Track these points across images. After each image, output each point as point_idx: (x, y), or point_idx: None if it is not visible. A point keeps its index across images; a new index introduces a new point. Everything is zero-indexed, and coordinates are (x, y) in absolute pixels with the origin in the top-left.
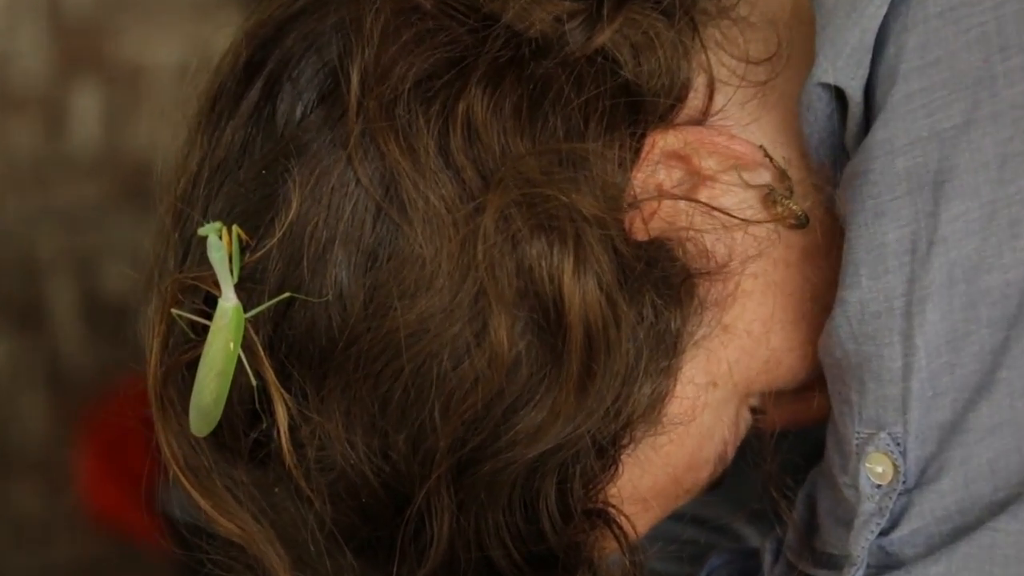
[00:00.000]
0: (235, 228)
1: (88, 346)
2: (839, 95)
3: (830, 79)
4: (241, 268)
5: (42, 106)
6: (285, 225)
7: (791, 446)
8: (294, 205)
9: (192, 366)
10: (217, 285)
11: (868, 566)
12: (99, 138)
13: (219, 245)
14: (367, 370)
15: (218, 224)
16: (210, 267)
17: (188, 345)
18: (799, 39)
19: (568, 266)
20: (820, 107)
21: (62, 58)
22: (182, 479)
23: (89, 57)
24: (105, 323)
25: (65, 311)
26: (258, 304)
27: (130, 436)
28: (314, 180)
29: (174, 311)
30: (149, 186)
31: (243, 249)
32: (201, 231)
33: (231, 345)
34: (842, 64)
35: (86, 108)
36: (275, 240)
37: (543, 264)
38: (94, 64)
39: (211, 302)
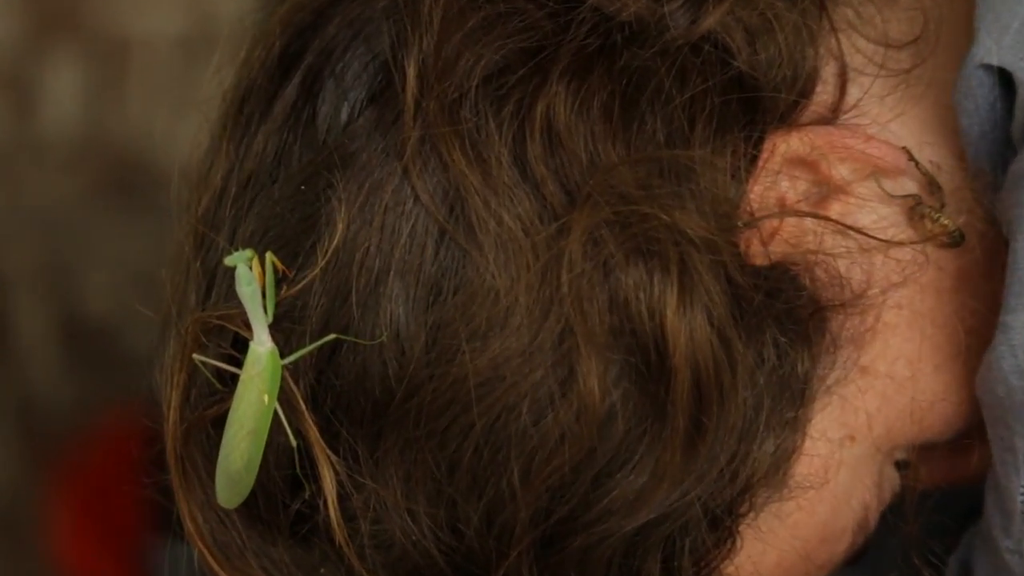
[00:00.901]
0: (269, 256)
1: (64, 376)
2: (1004, 79)
3: (994, 60)
4: (277, 305)
5: (10, 84)
6: (329, 252)
7: (938, 504)
8: (340, 228)
9: (219, 423)
10: (248, 325)
11: None
12: (78, 123)
13: (250, 277)
14: (430, 427)
15: (249, 252)
16: (239, 303)
17: (214, 398)
18: (951, 16)
19: (672, 298)
20: (981, 94)
21: (34, 26)
22: (209, 559)
23: (66, 25)
24: (85, 348)
25: (37, 333)
26: (298, 348)
27: (113, 484)
28: (363, 197)
29: (196, 357)
30: (139, 182)
31: (279, 281)
32: (228, 260)
33: (265, 398)
34: (1009, 42)
35: (62, 87)
36: (317, 270)
37: (641, 296)
38: (72, 34)
39: (241, 346)
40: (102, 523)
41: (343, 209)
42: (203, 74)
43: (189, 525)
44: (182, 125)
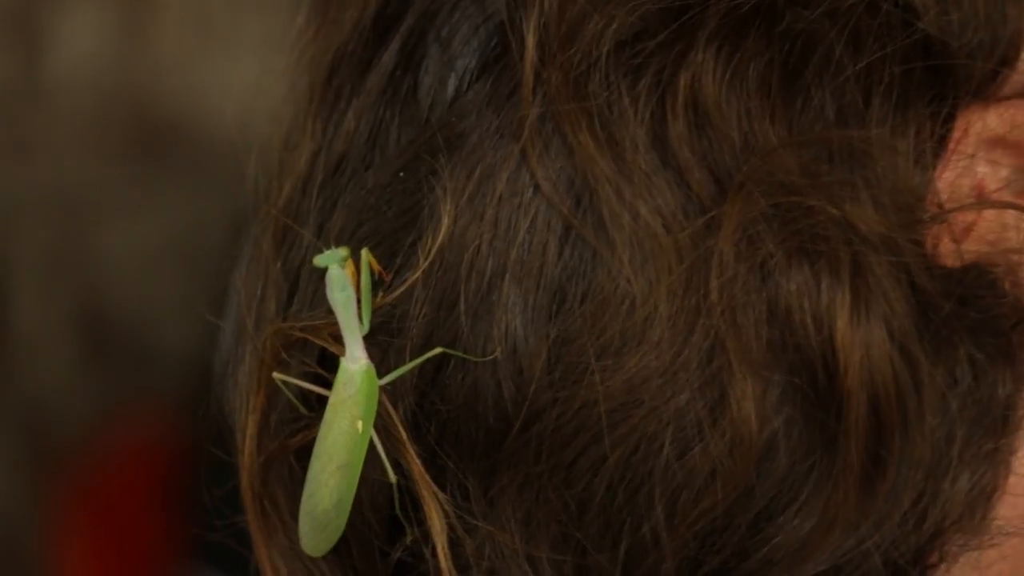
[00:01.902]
0: (366, 255)
1: (78, 378)
2: None
3: None
4: (373, 314)
5: (13, 25)
6: (433, 251)
7: None
8: (445, 222)
9: (304, 455)
10: (338, 339)
11: None
12: (96, 71)
13: (344, 281)
14: (554, 460)
15: (343, 251)
16: (329, 312)
17: (298, 424)
18: None
19: (843, 308)
20: None
21: None
22: None
23: None
24: (103, 346)
25: (45, 328)
26: (397, 366)
27: (136, 508)
28: (474, 186)
29: (277, 376)
30: (172, 145)
31: (375, 286)
32: (318, 260)
33: (359, 425)
34: None
35: (77, 27)
36: (419, 273)
37: (806, 305)
38: None
39: (330, 363)
40: (123, 556)
41: (449, 200)
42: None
43: (268, 575)
44: (229, 71)
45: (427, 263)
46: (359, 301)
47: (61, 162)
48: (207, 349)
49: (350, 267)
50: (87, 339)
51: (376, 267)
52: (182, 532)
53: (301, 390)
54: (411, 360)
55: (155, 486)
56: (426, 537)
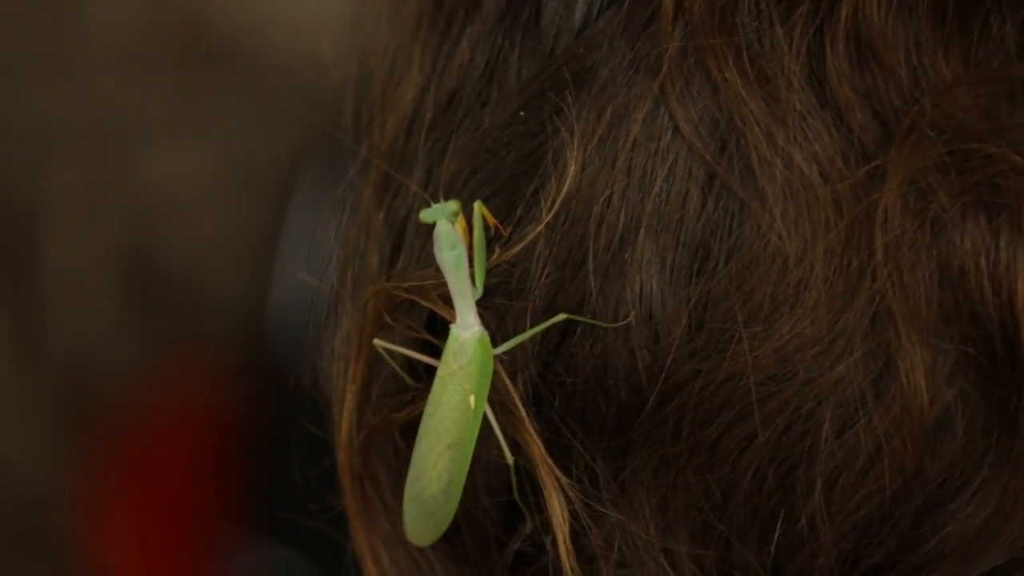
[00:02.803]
0: (479, 208)
1: (119, 330)
2: None
3: None
4: (488, 273)
5: None
6: (558, 202)
7: None
8: (572, 169)
9: (409, 431)
10: (448, 302)
11: None
12: None
13: (455, 238)
14: (695, 440)
15: (451, 205)
16: (437, 271)
17: (403, 398)
18: None
19: None
20: None
21: None
22: None
23: None
24: (148, 294)
25: (82, 273)
26: (515, 333)
27: (184, 475)
28: (604, 128)
29: (378, 343)
30: (226, 60)
31: (490, 242)
32: (426, 215)
33: (472, 399)
34: None
35: None
36: (542, 227)
37: (983, 265)
38: None
39: (439, 329)
40: (169, 527)
41: (577, 144)
42: None
43: (370, 566)
44: None
45: (551, 215)
46: (472, 260)
47: (100, 81)
48: (262, 291)
49: (461, 222)
50: (130, 280)
51: (492, 221)
52: (238, 505)
53: (407, 359)
54: (532, 326)
55: (206, 454)
56: (548, 526)
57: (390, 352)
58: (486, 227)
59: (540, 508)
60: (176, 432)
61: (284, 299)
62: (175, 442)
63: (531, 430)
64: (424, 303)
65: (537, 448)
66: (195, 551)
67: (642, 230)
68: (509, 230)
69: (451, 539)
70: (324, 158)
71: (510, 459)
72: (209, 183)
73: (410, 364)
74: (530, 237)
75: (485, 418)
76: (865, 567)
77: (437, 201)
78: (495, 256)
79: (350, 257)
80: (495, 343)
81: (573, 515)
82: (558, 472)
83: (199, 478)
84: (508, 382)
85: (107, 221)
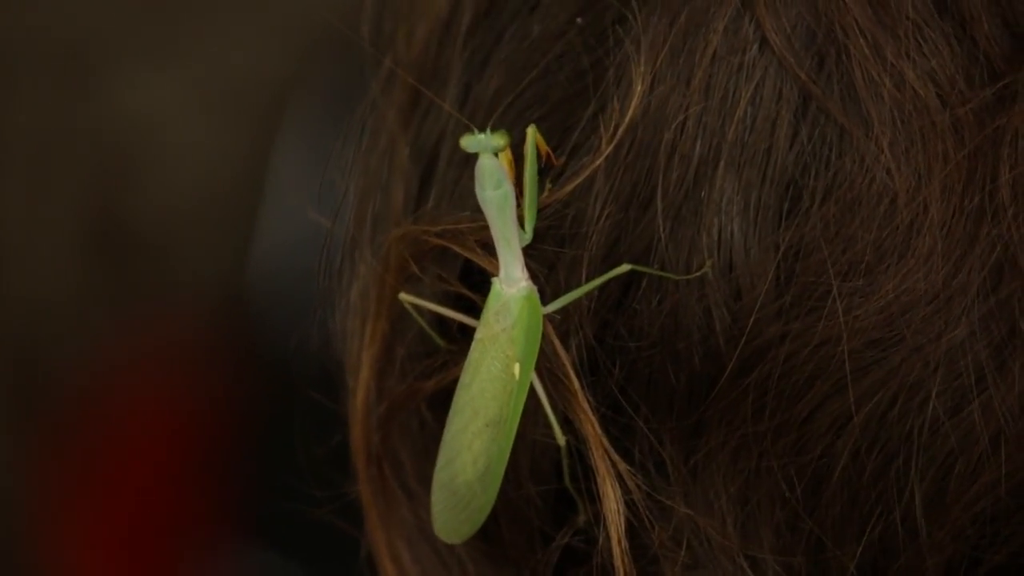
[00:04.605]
0: (532, 133)
1: (81, 293)
2: None
3: None
4: (538, 215)
5: None
6: (621, 128)
7: None
8: (638, 88)
9: (440, 404)
10: (490, 249)
11: None
12: None
13: (498, 174)
14: (782, 417)
15: (499, 137)
16: (476, 212)
17: (432, 363)
18: None
19: None
20: None
21: None
22: None
23: None
24: (112, 241)
25: (40, 224)
26: (569, 288)
27: (151, 462)
28: (677, 39)
29: (404, 297)
30: None
31: (543, 173)
32: (465, 143)
33: (516, 368)
34: None
35: None
36: (602, 159)
37: None
38: None
39: (477, 282)
40: (140, 528)
41: (643, 58)
42: None
43: (387, 566)
44: None
45: (612, 145)
46: (521, 198)
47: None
48: (243, 245)
49: (508, 156)
50: (95, 231)
51: (544, 148)
52: (221, 502)
53: (437, 317)
54: (588, 279)
55: (182, 441)
56: (603, 520)
57: (418, 308)
58: (539, 158)
59: (594, 499)
60: (146, 418)
61: (273, 248)
62: (145, 430)
63: (585, 406)
64: (460, 250)
65: (592, 426)
66: (171, 556)
67: (722, 163)
68: (563, 161)
69: (487, 534)
70: (326, 80)
71: (561, 439)
72: (186, 116)
73: (441, 323)
74: (588, 172)
75: (532, 390)
76: (985, 569)
77: (476, 125)
78: (545, 194)
79: (369, 192)
80: (545, 300)
81: (632, 507)
82: (614, 455)
83: (174, 469)
84: (559, 347)
85: (67, 166)
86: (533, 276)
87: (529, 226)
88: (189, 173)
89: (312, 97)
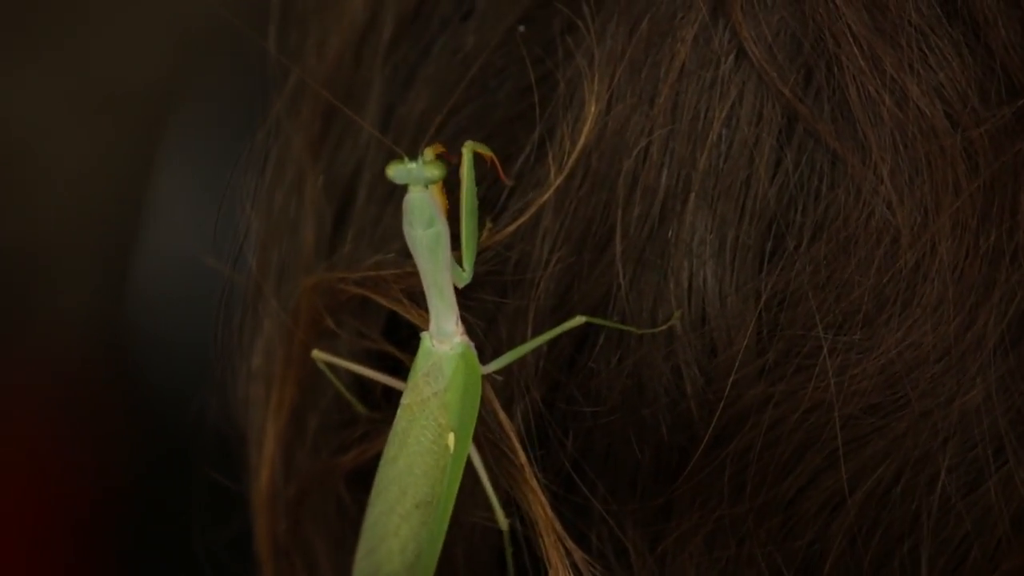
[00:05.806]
0: (468, 150)
1: None
2: None
3: None
4: (478, 257)
5: None
6: (573, 155)
7: None
8: (593, 109)
9: (361, 482)
10: (418, 300)
11: None
12: None
13: (430, 208)
14: (766, 496)
15: (433, 165)
16: (403, 254)
17: (350, 434)
18: None
19: None
20: None
21: None
22: None
23: None
24: None
25: None
26: (513, 344)
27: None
28: (639, 50)
29: (317, 356)
30: None
31: (491, 191)
32: (392, 172)
33: (450, 438)
34: None
35: None
36: (551, 192)
37: None
38: None
39: (403, 336)
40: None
41: (599, 73)
42: None
43: None
44: None
45: (563, 176)
46: (460, 230)
47: None
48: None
49: (440, 188)
50: None
51: (488, 155)
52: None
53: (357, 379)
54: (535, 334)
55: (46, 517)
56: None
57: (333, 369)
58: (484, 169)
59: None
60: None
61: (154, 285)
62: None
63: (533, 483)
64: (383, 301)
65: (542, 508)
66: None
67: (692, 196)
68: (511, 182)
69: None
70: (214, 90)
71: (504, 523)
72: (55, 124)
73: (362, 386)
74: (534, 208)
75: (469, 465)
76: None
77: (403, 152)
78: (485, 234)
79: (275, 233)
80: (484, 358)
81: None
82: (568, 542)
83: (37, 553)
84: (502, 414)
85: None
86: (470, 330)
87: (468, 264)
88: (59, 196)
89: (199, 105)
